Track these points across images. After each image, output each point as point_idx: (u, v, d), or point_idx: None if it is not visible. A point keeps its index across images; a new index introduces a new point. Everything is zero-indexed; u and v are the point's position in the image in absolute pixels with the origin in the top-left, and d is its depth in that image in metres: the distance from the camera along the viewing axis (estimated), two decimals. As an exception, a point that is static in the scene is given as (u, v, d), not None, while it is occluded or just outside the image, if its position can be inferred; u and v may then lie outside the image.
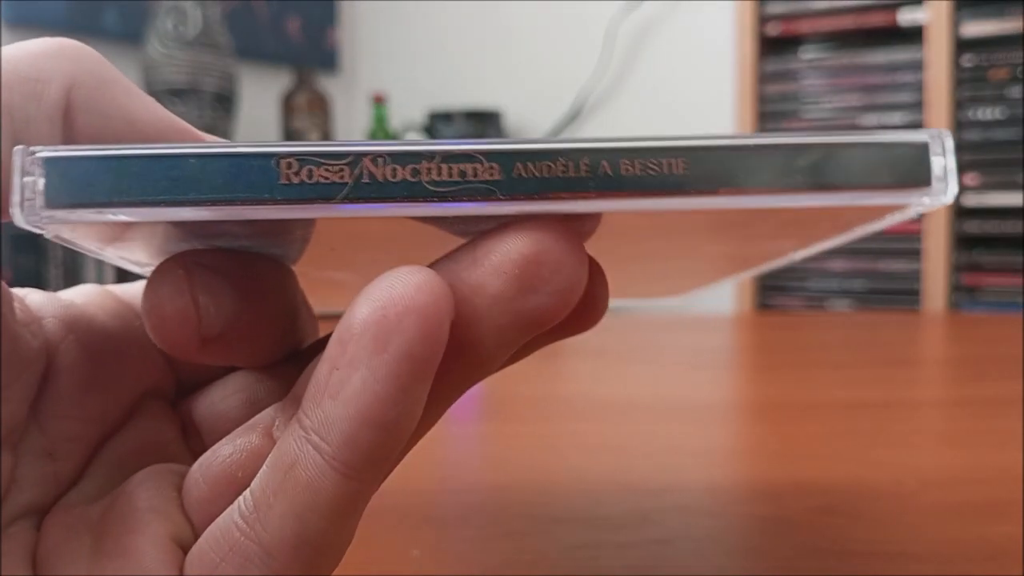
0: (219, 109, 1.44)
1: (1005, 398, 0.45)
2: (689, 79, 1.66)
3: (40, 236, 0.13)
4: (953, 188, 0.13)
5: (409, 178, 0.12)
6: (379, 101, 1.78)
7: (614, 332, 0.74)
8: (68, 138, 0.13)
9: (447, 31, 1.91)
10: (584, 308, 0.14)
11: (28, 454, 0.15)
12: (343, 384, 0.12)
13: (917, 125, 1.38)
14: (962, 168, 1.34)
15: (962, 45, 1.35)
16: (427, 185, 0.12)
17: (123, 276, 0.18)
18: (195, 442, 0.17)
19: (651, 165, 0.12)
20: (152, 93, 0.16)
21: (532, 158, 0.12)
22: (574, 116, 1.77)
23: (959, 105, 1.36)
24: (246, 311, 0.15)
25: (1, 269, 1.19)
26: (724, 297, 1.54)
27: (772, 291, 1.53)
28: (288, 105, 1.72)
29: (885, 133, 0.13)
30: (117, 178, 0.12)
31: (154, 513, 0.14)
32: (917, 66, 1.38)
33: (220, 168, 0.12)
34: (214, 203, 0.12)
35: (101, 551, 0.14)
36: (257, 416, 0.15)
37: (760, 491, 0.31)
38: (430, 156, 0.12)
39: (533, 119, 1.82)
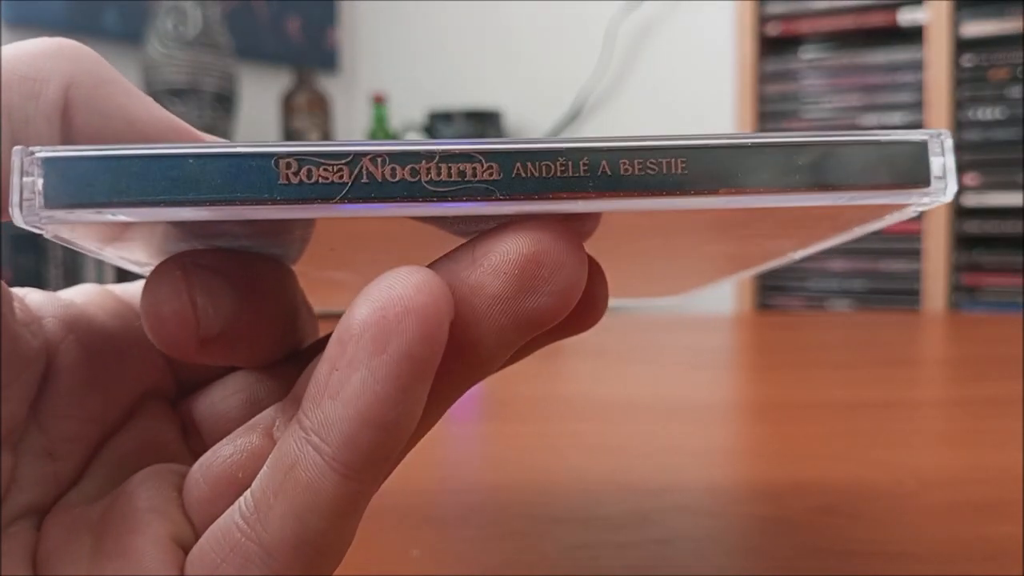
0: (219, 109, 1.44)
1: (1005, 398, 0.45)
2: (689, 79, 1.66)
3: (40, 236, 0.13)
4: (952, 187, 0.13)
5: (408, 178, 0.12)
6: (379, 101, 1.78)
7: (614, 332, 0.74)
8: (67, 138, 0.13)
9: (447, 31, 1.91)
10: (584, 308, 0.14)
11: (28, 454, 0.15)
12: (343, 385, 0.12)
13: (917, 125, 1.38)
14: (962, 168, 1.34)
15: (962, 45, 1.35)
16: (426, 185, 0.12)
17: (123, 275, 0.18)
18: (195, 442, 0.17)
19: (650, 165, 0.12)
20: (152, 93, 0.16)
21: (531, 158, 0.12)
22: (574, 116, 1.77)
23: (959, 105, 1.36)
24: (245, 311, 0.15)
25: (1, 269, 1.19)
26: (724, 297, 1.54)
27: (772, 291, 1.52)
28: (288, 105, 1.72)
29: (884, 133, 0.13)
30: (116, 178, 0.12)
31: (154, 513, 0.14)
32: (917, 66, 1.38)
33: (219, 168, 0.12)
34: (213, 203, 0.12)
35: (101, 551, 0.14)
36: (257, 416, 0.15)
37: (760, 491, 0.31)
38: (429, 156, 0.12)
39: (533, 119, 1.82)
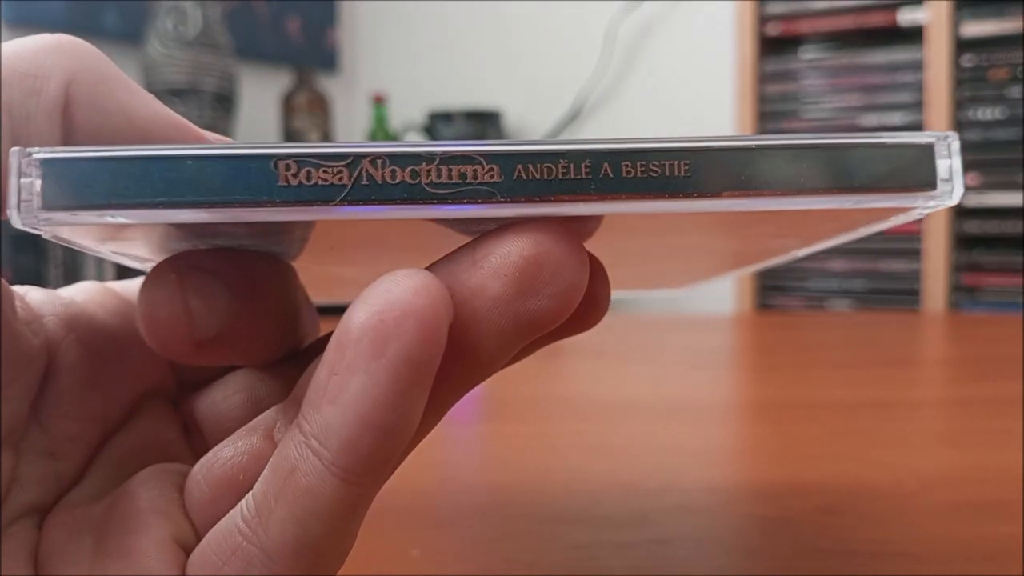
0: (219, 109, 1.44)
1: (1005, 398, 0.45)
2: (689, 79, 1.66)
3: (39, 236, 0.13)
4: (959, 190, 0.13)
5: (408, 180, 0.12)
6: (379, 101, 1.78)
7: (614, 332, 0.74)
8: (67, 135, 0.13)
9: (447, 31, 1.91)
10: (585, 308, 0.14)
11: (29, 453, 0.15)
12: (342, 389, 0.12)
13: (917, 125, 1.38)
14: (963, 169, 1.33)
15: (962, 45, 1.35)
16: (427, 187, 0.12)
17: (123, 274, 0.18)
18: (197, 441, 0.17)
19: (653, 167, 0.12)
20: (152, 93, 0.16)
21: (533, 160, 0.12)
22: (574, 116, 1.76)
23: (959, 105, 1.35)
24: (244, 312, 0.15)
25: (1, 268, 1.19)
26: (724, 297, 1.54)
27: (772, 291, 1.52)
28: (288, 105, 1.72)
29: (891, 135, 0.13)
30: (114, 180, 0.12)
31: (156, 514, 0.14)
32: (917, 66, 1.38)
33: (218, 170, 0.12)
34: (212, 205, 0.12)
35: (103, 551, 0.14)
36: (258, 418, 0.15)
37: (760, 491, 0.31)
38: (430, 158, 0.12)
39: (533, 119, 1.82)
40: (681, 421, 0.42)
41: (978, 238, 1.37)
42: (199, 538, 0.14)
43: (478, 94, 1.85)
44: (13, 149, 0.12)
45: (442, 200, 0.12)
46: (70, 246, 0.15)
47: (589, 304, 0.14)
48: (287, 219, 0.12)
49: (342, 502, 0.12)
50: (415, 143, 0.12)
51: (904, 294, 1.41)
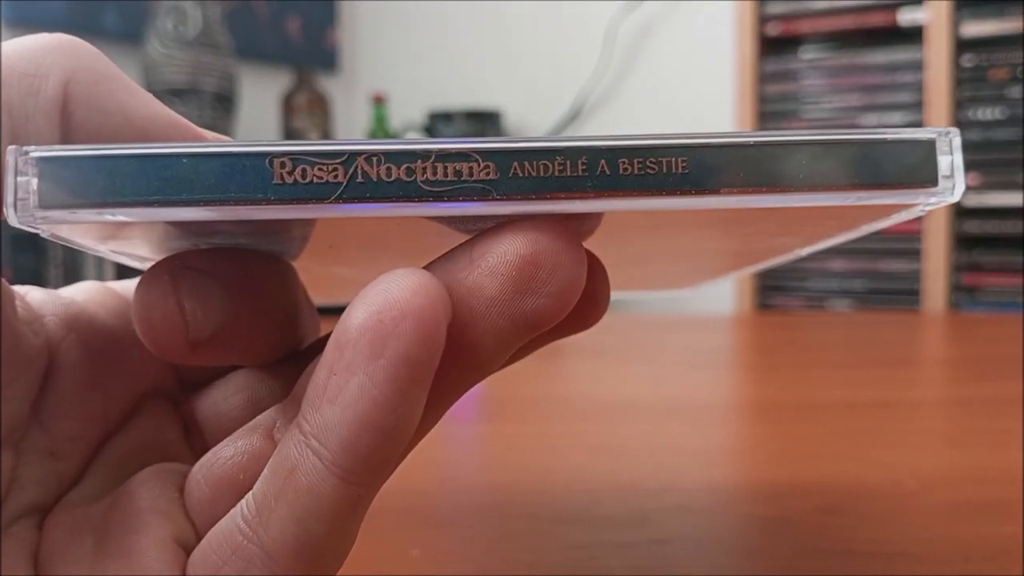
0: (219, 109, 1.44)
1: (1005, 398, 0.45)
2: (689, 79, 1.66)
3: (39, 235, 0.13)
4: (960, 187, 0.13)
5: (404, 178, 0.12)
6: (379, 101, 1.78)
7: (614, 332, 0.74)
8: (66, 134, 0.13)
9: (447, 31, 1.91)
10: (585, 306, 0.14)
11: (30, 453, 0.15)
12: (341, 389, 0.12)
13: (917, 125, 1.38)
14: (964, 167, 1.33)
15: (962, 45, 1.35)
16: (422, 185, 0.12)
17: (123, 273, 0.18)
18: (197, 441, 0.17)
19: (650, 164, 0.12)
20: (152, 93, 0.16)
21: (529, 157, 0.12)
22: (574, 116, 1.77)
23: (959, 105, 1.35)
24: (242, 312, 0.15)
25: (1, 268, 1.19)
26: (724, 297, 1.54)
27: (772, 291, 1.52)
28: (288, 105, 1.72)
29: (891, 131, 0.13)
30: (111, 178, 0.12)
31: (156, 514, 0.14)
32: (917, 66, 1.38)
33: (213, 168, 0.12)
34: (207, 203, 0.12)
35: (103, 551, 0.14)
36: (258, 417, 0.15)
37: (760, 491, 0.31)
38: (425, 155, 0.12)
39: (533, 119, 1.82)
40: (681, 421, 0.42)
41: (978, 238, 1.37)
42: (199, 538, 0.14)
43: (478, 94, 1.85)
44: (10, 147, 0.12)
45: (438, 198, 0.12)
46: (69, 245, 0.15)
47: (588, 303, 0.14)
48: (283, 217, 0.12)
49: (342, 501, 0.12)
50: (411, 140, 0.12)
51: (904, 294, 1.41)
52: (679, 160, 0.12)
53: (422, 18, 1.93)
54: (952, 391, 0.52)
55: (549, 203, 0.12)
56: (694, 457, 0.36)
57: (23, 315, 0.15)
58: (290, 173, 0.12)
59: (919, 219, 1.37)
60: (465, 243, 0.13)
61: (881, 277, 1.44)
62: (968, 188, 1.33)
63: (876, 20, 1.42)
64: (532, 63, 1.83)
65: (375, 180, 0.12)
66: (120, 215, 0.12)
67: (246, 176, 0.12)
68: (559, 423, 0.42)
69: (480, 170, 0.12)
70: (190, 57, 1.39)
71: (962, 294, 1.38)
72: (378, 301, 0.12)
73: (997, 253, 1.36)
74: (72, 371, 0.15)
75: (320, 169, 0.12)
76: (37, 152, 0.12)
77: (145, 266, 0.17)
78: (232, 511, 0.13)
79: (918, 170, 0.13)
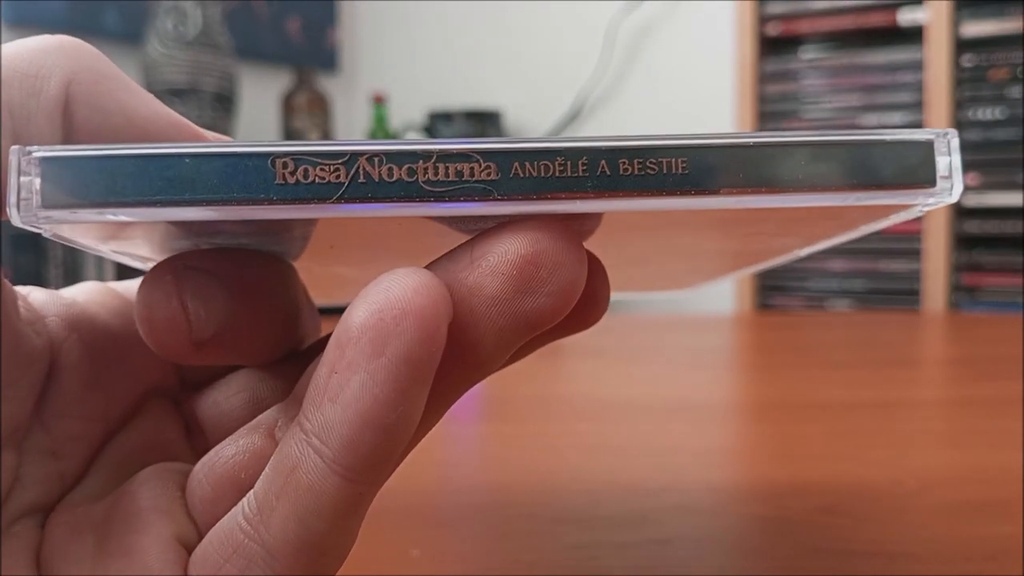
0: (219, 109, 1.44)
1: (1005, 398, 0.45)
2: (689, 79, 1.66)
3: (40, 235, 0.13)
4: (958, 187, 0.13)
5: (405, 178, 0.12)
6: (379, 101, 1.78)
7: (614, 332, 0.74)
8: (67, 134, 0.13)
9: (447, 31, 1.91)
10: (585, 306, 0.14)
11: (32, 453, 0.15)
12: (342, 388, 0.12)
13: (917, 125, 1.38)
14: (962, 168, 1.33)
15: (962, 45, 1.35)
16: (423, 185, 0.12)
17: (123, 273, 0.18)
18: (198, 440, 0.17)
19: (650, 164, 0.12)
20: (152, 93, 0.16)
21: (529, 157, 0.12)
22: (574, 116, 1.77)
23: (959, 105, 1.36)
24: (243, 312, 0.15)
25: (1, 268, 1.19)
26: (724, 297, 1.54)
27: (772, 291, 1.52)
28: (288, 105, 1.72)
29: (890, 132, 0.13)
30: (113, 178, 0.12)
31: (158, 513, 0.14)
32: (917, 66, 1.38)
33: (215, 168, 0.12)
34: (209, 203, 0.12)
35: (105, 550, 0.14)
36: (260, 416, 0.15)
37: (760, 491, 0.31)
38: (426, 156, 0.12)
39: (533, 119, 1.82)
40: (681, 421, 0.42)
41: (978, 238, 1.37)
42: (201, 537, 0.14)
43: (478, 94, 1.85)
44: (12, 148, 0.12)
45: (439, 198, 0.12)
46: (71, 245, 0.15)
47: (588, 302, 0.14)
48: (284, 217, 0.12)
49: (343, 500, 0.12)
50: (412, 141, 0.12)
51: (904, 294, 1.41)
52: (679, 160, 0.12)
53: (422, 18, 1.93)
54: (952, 391, 0.52)
55: (549, 203, 0.12)
56: (694, 457, 0.36)
57: (25, 316, 0.15)
58: (292, 173, 0.12)
59: (919, 219, 1.37)
60: (466, 243, 0.13)
61: (881, 277, 1.44)
62: (968, 188, 1.33)
63: (876, 20, 1.42)
64: (532, 63, 1.83)
65: (376, 180, 0.12)
66: (122, 215, 0.12)
67: (248, 176, 0.12)
68: (559, 423, 0.42)
69: (481, 170, 0.12)
70: (190, 57, 1.39)
71: (962, 294, 1.38)
72: (379, 300, 0.12)
73: (997, 253, 1.36)
74: (74, 371, 0.15)
75: (322, 169, 0.12)
76: (40, 152, 0.12)
77: (147, 266, 0.17)
78: (233, 510, 0.14)
79: (916, 171, 0.13)
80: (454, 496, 0.31)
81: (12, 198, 0.12)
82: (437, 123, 1.72)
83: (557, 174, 0.12)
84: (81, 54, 0.14)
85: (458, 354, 0.13)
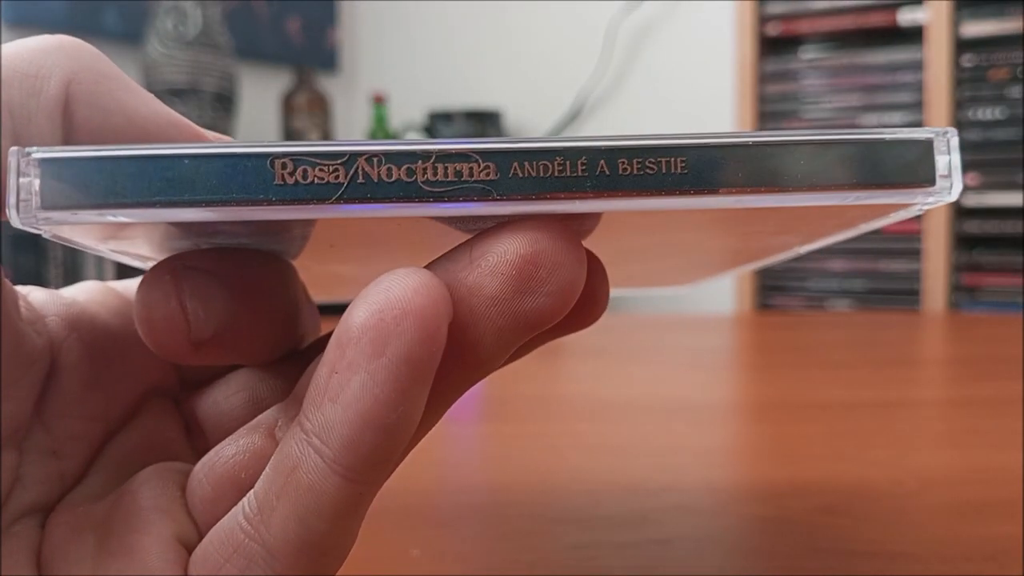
0: (219, 109, 1.44)
1: (1005, 398, 0.45)
2: (689, 79, 1.66)
3: (39, 236, 0.13)
4: (958, 186, 0.13)
5: (404, 178, 0.12)
6: (379, 101, 1.78)
7: (614, 332, 0.74)
8: (68, 134, 0.13)
9: (447, 31, 1.91)
10: (584, 305, 0.14)
11: (32, 452, 0.15)
12: (342, 388, 0.12)
13: (917, 125, 1.38)
14: (962, 168, 1.33)
15: (962, 45, 1.35)
16: (423, 185, 0.12)
17: (123, 274, 0.18)
18: (199, 440, 0.17)
19: (649, 164, 0.12)
20: (152, 93, 0.16)
21: (528, 157, 0.12)
22: (574, 116, 1.77)
23: (959, 105, 1.36)
24: (242, 312, 0.15)
25: (1, 268, 1.19)
26: (724, 297, 1.54)
27: (772, 291, 1.52)
28: (288, 105, 1.72)
29: (889, 131, 0.13)
30: (112, 179, 0.12)
31: (158, 512, 0.14)
32: (917, 66, 1.38)
33: (215, 169, 0.12)
34: (209, 204, 0.12)
35: (105, 550, 0.14)
36: (260, 416, 0.15)
37: (760, 491, 0.31)
38: (425, 156, 0.12)
39: (533, 119, 1.82)
40: (681, 421, 0.42)
41: (978, 238, 1.37)
42: (201, 536, 0.14)
43: (478, 94, 1.85)
44: (12, 148, 0.12)
45: (438, 198, 0.12)
46: (71, 245, 0.15)
47: (588, 301, 0.14)
48: (284, 217, 0.12)
49: (344, 499, 0.13)
50: (411, 141, 0.12)
51: (904, 294, 1.41)
52: (678, 160, 0.12)
53: (422, 18, 1.93)
54: (952, 391, 0.52)
55: (549, 203, 0.12)
56: (694, 457, 0.36)
57: (26, 315, 0.15)
58: (291, 174, 0.12)
59: (919, 219, 1.37)
60: (465, 243, 0.13)
61: (881, 277, 1.44)
62: (968, 188, 1.33)
63: (876, 20, 1.42)
64: (532, 63, 1.83)
65: (376, 181, 0.12)
66: (122, 216, 0.12)
67: (247, 177, 0.12)
68: (559, 423, 0.42)
69: (480, 170, 0.12)
70: (190, 57, 1.39)
71: (962, 294, 1.38)
72: (380, 300, 0.12)
73: (997, 253, 1.36)
74: (74, 371, 0.15)
75: (321, 170, 0.12)
76: (39, 153, 0.12)
77: (146, 266, 0.17)
78: (234, 509, 0.14)
79: (916, 170, 0.13)
80: (454, 496, 0.31)
81: (11, 199, 0.12)
82: (437, 123, 1.72)
83: (556, 174, 0.12)
84: (81, 54, 0.14)
85: (458, 354, 0.13)
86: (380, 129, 1.77)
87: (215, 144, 0.12)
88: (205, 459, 0.15)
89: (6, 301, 0.14)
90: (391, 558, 0.25)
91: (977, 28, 1.33)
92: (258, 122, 1.75)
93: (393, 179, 0.12)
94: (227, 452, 0.15)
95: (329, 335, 0.13)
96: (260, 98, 1.76)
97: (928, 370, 0.62)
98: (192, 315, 0.14)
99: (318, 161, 0.12)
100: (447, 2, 1.90)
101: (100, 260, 1.27)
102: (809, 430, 0.40)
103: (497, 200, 0.12)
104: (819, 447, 0.37)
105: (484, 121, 1.71)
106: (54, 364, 0.15)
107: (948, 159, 0.13)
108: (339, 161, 0.12)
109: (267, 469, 0.13)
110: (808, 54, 1.48)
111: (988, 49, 1.33)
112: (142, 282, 0.15)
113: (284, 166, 0.12)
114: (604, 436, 0.39)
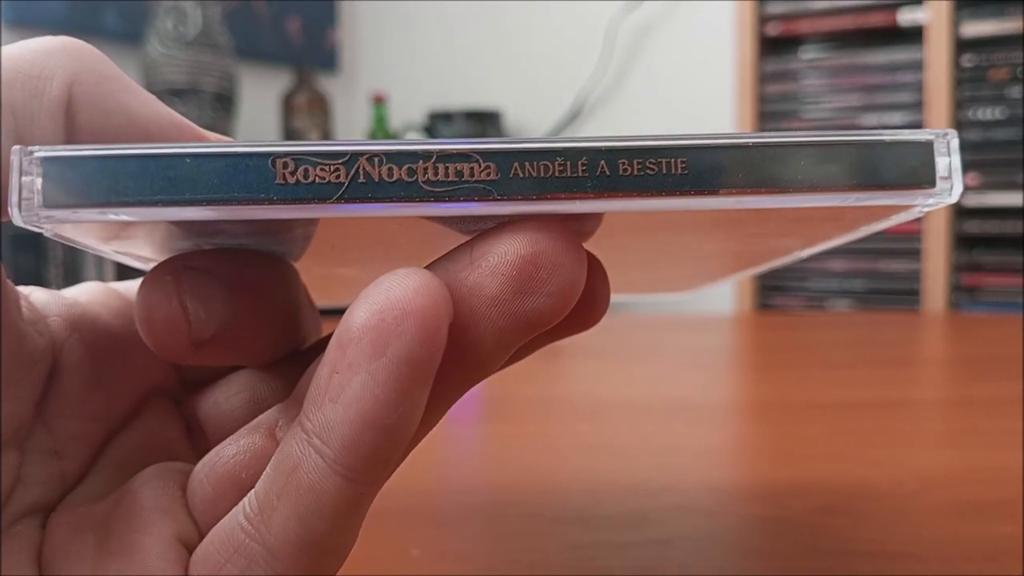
0: (219, 109, 1.44)
1: (1005, 398, 0.45)
2: (689, 79, 1.66)
3: (40, 235, 0.13)
4: (958, 188, 0.13)
5: (405, 178, 0.12)
6: (379, 101, 1.78)
7: (614, 332, 0.74)
8: (70, 135, 0.13)
9: (447, 31, 1.91)
10: (585, 306, 0.14)
11: (34, 452, 0.15)
12: (343, 388, 0.12)
13: (917, 125, 1.38)
14: (962, 168, 1.33)
15: (962, 45, 1.35)
16: (423, 185, 0.12)
17: (123, 274, 0.18)
18: (199, 440, 0.17)
19: (650, 165, 0.12)
20: (152, 93, 0.16)
21: (529, 158, 0.12)
22: (574, 116, 1.77)
23: (959, 105, 1.36)
24: (243, 312, 0.15)
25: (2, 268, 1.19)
26: (724, 297, 1.54)
27: (772, 291, 1.52)
28: (288, 105, 1.72)
29: (889, 132, 0.13)
30: (114, 178, 0.12)
31: (159, 512, 0.14)
32: (917, 66, 1.38)
33: (216, 168, 0.12)
34: (210, 203, 0.12)
35: (106, 550, 0.14)
36: (260, 416, 0.15)
37: (760, 491, 0.31)
38: (426, 156, 0.12)
39: (533, 119, 1.82)
40: (681, 421, 0.42)
41: (978, 238, 1.37)
42: (202, 536, 0.14)
43: (478, 94, 1.85)
44: (14, 147, 0.12)
45: (439, 198, 0.12)
46: (72, 245, 0.15)
47: (588, 303, 0.14)
48: (285, 217, 0.12)
49: (344, 500, 0.13)
50: (412, 141, 0.12)
51: (904, 294, 1.41)
52: (678, 161, 0.12)
53: (422, 18, 1.93)
54: (952, 391, 0.52)
55: (549, 203, 0.12)
56: (694, 457, 0.36)
57: (28, 316, 0.15)
58: (292, 173, 0.12)
59: (919, 219, 1.37)
60: (466, 243, 0.13)
61: (881, 277, 1.44)
62: (968, 188, 1.33)
63: (876, 20, 1.42)
64: (532, 63, 1.83)
65: (377, 180, 0.12)
66: (123, 215, 0.12)
67: (249, 176, 0.12)
68: (559, 423, 0.42)
69: (481, 170, 0.12)
70: (190, 57, 1.39)
71: (962, 294, 1.38)
72: (380, 300, 0.12)
73: (997, 253, 1.36)
74: (75, 371, 0.15)
75: (322, 169, 0.12)
76: (41, 152, 0.12)
77: (147, 266, 0.17)
78: (234, 509, 0.14)
79: (916, 171, 0.13)
80: (454, 496, 0.31)
81: (14, 198, 0.12)
82: (437, 123, 1.72)
83: (557, 174, 0.12)
84: (83, 55, 0.14)
85: (458, 354, 0.13)
86: (380, 129, 1.77)
87: (216, 144, 0.12)
88: (206, 459, 0.15)
89: (8, 301, 0.14)
90: (391, 558, 0.25)
91: (977, 28, 1.33)
92: (258, 122, 1.75)
93: (394, 179, 0.12)
94: (228, 452, 0.15)
95: (330, 336, 0.13)
96: (260, 98, 1.76)
97: (928, 370, 0.62)
98: (193, 315, 0.14)
99: (319, 161, 0.12)
100: (447, 2, 1.90)
101: (100, 260, 1.27)
102: (809, 430, 0.40)
103: (497, 200, 0.12)
104: (819, 447, 0.37)
105: (484, 121, 1.71)
106: (56, 364, 0.15)
107: (948, 161, 0.13)
108: (340, 161, 0.12)
109: (268, 469, 0.13)
110: (808, 54, 1.48)
111: (988, 49, 1.33)
112: (143, 282, 0.15)
113: (285, 165, 0.12)
114: (604, 436, 0.39)
